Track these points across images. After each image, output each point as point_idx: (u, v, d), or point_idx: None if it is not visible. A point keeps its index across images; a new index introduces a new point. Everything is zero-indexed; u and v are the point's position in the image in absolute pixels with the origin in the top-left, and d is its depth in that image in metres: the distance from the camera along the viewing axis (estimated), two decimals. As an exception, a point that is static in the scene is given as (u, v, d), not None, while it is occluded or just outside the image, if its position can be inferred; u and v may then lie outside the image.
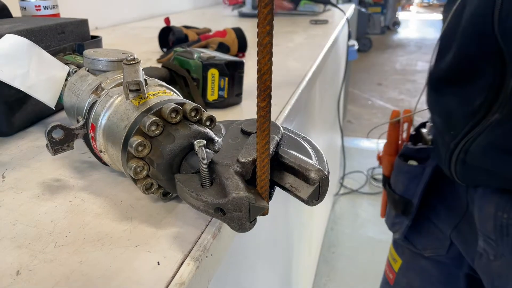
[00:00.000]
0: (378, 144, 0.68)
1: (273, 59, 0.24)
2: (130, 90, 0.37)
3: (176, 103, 0.36)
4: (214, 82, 0.62)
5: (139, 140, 0.34)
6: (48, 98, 0.48)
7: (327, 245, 2.07)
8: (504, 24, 0.45)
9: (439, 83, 0.60)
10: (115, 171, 0.44)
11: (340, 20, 1.69)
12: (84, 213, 0.37)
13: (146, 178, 0.36)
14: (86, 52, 0.45)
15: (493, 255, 0.56)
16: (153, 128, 0.34)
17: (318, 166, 0.31)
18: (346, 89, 2.76)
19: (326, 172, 0.31)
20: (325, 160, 0.34)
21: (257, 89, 0.25)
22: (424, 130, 0.70)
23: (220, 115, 0.61)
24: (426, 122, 0.71)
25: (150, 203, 0.39)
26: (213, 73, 0.61)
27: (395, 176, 0.70)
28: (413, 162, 0.67)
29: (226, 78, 0.62)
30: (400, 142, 0.71)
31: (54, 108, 0.49)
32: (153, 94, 0.38)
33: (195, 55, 0.62)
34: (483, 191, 0.55)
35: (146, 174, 0.35)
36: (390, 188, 0.71)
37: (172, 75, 0.63)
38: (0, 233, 0.34)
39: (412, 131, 0.72)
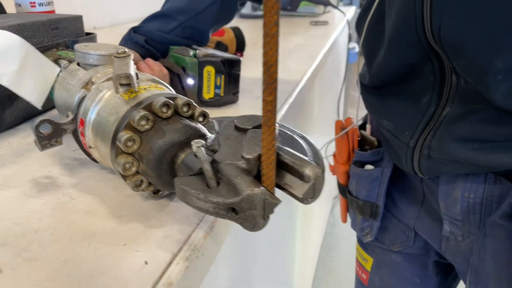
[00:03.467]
0: (326, 156, 0.69)
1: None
2: (121, 84, 0.36)
3: (168, 98, 0.34)
4: (210, 80, 0.61)
5: (128, 135, 0.33)
6: (35, 98, 0.47)
7: (326, 249, 2.05)
8: (438, 31, 0.45)
9: (378, 88, 0.61)
10: (106, 168, 0.43)
11: (340, 21, 1.69)
12: (72, 211, 0.36)
13: (135, 174, 0.35)
14: (77, 46, 0.43)
15: (461, 235, 0.58)
16: (143, 122, 0.33)
17: (313, 163, 0.30)
18: (347, 91, 2.75)
19: (321, 169, 0.30)
20: (321, 157, 0.33)
21: (263, 83, 0.24)
22: (365, 132, 0.70)
23: (217, 114, 0.59)
24: (364, 123, 0.72)
25: (140, 201, 0.38)
26: (209, 70, 0.60)
27: (356, 183, 0.71)
28: (369, 167, 0.68)
29: (223, 76, 0.61)
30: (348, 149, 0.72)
31: (41, 108, 0.48)
32: (144, 89, 0.37)
33: (191, 52, 0.61)
34: (447, 178, 0.56)
35: (135, 170, 0.34)
36: (352, 195, 0.72)
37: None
38: (-17, 231, 0.33)
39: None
